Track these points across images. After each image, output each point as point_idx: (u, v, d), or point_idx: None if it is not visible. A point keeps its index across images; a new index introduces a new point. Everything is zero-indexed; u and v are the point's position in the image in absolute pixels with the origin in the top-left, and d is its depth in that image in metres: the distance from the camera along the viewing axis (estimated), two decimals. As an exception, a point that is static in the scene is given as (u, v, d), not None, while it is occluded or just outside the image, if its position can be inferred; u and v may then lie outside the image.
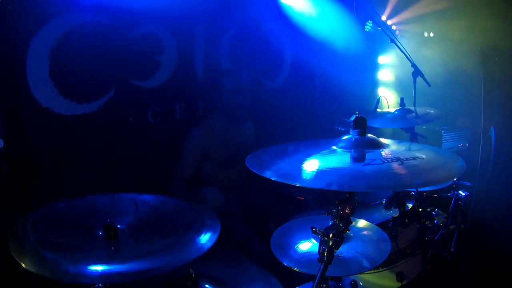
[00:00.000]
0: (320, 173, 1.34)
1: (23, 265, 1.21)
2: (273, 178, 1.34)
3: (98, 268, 1.25)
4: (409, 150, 1.60)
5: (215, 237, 1.51)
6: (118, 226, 1.47)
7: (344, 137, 1.56)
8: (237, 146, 2.75)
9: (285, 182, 1.31)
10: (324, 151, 1.51)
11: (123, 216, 1.54)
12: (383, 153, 1.46)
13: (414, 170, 1.35)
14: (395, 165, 1.35)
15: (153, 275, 1.26)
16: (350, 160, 1.45)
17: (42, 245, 1.30)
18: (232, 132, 2.75)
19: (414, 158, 1.41)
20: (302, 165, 1.40)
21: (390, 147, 1.54)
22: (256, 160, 1.56)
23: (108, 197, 1.70)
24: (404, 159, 1.39)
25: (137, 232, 1.50)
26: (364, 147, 1.51)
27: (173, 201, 1.75)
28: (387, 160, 1.38)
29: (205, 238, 1.46)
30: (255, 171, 1.41)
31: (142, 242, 1.45)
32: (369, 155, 1.45)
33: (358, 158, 1.45)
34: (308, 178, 1.33)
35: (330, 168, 1.38)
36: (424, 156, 1.46)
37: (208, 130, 2.69)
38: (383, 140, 1.61)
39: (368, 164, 1.39)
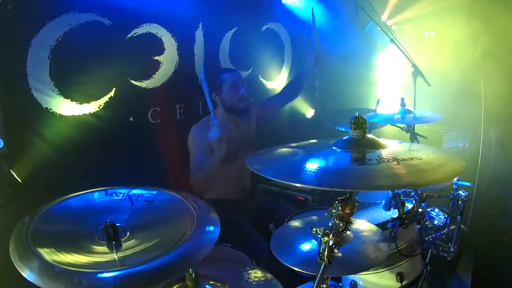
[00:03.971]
0: (319, 174, 1.34)
1: (23, 274, 1.19)
2: (272, 178, 1.34)
3: (104, 275, 1.21)
4: (409, 150, 1.59)
5: (216, 236, 1.51)
6: (118, 224, 1.45)
7: (344, 138, 1.56)
8: (238, 142, 2.75)
9: (284, 181, 1.31)
10: (324, 152, 1.51)
11: (119, 214, 1.52)
12: (383, 153, 1.45)
13: (412, 170, 1.35)
14: (393, 165, 1.34)
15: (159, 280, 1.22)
16: (350, 161, 1.45)
17: (40, 247, 1.28)
18: (232, 129, 2.76)
19: (412, 159, 1.40)
20: (303, 166, 1.40)
21: (389, 147, 1.53)
22: (256, 159, 1.56)
23: (102, 192, 1.66)
24: (402, 159, 1.38)
25: (136, 232, 1.48)
26: (363, 147, 1.50)
27: (167, 194, 1.71)
28: (386, 160, 1.37)
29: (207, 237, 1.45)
30: (255, 171, 1.41)
31: (143, 242, 1.43)
32: (368, 156, 1.44)
33: (358, 159, 1.45)
34: (308, 178, 1.32)
35: (329, 169, 1.38)
36: (423, 156, 1.45)
37: (208, 127, 2.70)
38: (383, 141, 1.60)
39: (366, 164, 1.38)
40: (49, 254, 1.26)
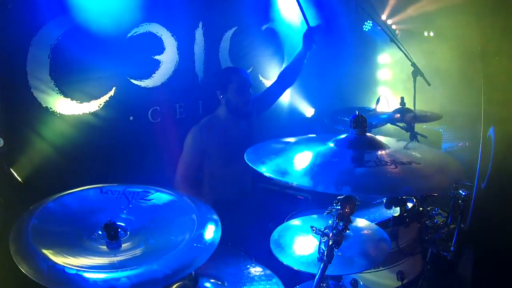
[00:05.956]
0: (313, 173, 1.33)
1: (23, 270, 1.18)
2: (266, 173, 1.33)
3: (101, 276, 1.19)
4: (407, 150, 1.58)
5: (217, 237, 1.50)
6: (120, 229, 1.43)
7: (342, 136, 1.55)
8: (238, 143, 2.75)
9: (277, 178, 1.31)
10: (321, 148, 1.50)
11: (117, 213, 1.50)
12: (380, 153, 1.44)
13: (409, 175, 1.34)
14: (390, 168, 1.33)
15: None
16: (348, 161, 1.44)
17: (42, 247, 1.27)
18: (233, 129, 2.75)
19: (410, 163, 1.39)
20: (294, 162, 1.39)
21: (388, 148, 1.52)
22: (253, 153, 1.56)
23: (97, 190, 1.62)
24: (400, 162, 1.37)
25: (135, 231, 1.47)
26: (363, 147, 1.49)
27: (165, 193, 1.66)
28: (383, 163, 1.36)
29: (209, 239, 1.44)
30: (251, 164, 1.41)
31: (142, 241, 1.42)
32: (366, 157, 1.43)
33: (357, 160, 1.44)
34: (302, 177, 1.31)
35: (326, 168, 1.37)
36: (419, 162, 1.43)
37: (208, 127, 2.69)
38: (382, 140, 1.60)
39: (364, 166, 1.37)
40: (55, 256, 1.24)
